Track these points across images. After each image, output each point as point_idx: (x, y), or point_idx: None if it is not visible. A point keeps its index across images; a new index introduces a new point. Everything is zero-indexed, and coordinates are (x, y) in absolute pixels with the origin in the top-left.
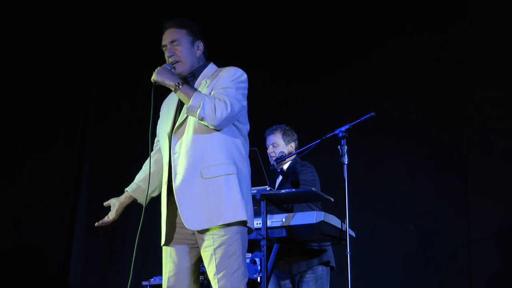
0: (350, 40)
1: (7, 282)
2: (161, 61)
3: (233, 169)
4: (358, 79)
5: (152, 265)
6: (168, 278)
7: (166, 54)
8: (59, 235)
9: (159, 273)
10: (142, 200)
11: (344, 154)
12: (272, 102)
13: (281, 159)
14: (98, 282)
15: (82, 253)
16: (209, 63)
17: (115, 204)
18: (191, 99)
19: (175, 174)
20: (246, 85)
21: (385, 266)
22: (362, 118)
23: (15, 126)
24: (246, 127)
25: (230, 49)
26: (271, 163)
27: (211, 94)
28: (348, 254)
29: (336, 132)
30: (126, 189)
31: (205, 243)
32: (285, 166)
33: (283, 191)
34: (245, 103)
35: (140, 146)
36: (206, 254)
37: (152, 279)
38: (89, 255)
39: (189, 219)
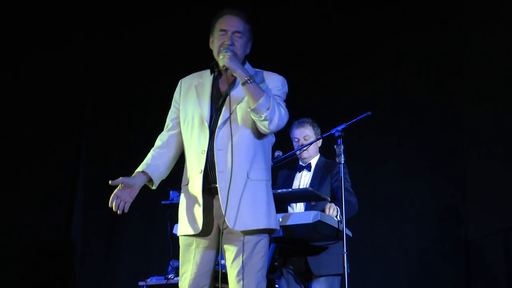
0: (347, 40)
1: (5, 284)
2: (158, 64)
3: (269, 176)
4: (355, 79)
5: (149, 265)
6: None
7: (224, 41)
8: (56, 236)
9: (156, 273)
10: (157, 183)
11: (341, 153)
12: None
13: (277, 159)
14: (95, 283)
15: (79, 254)
16: (245, 61)
17: (131, 186)
18: (262, 98)
19: (219, 172)
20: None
21: (383, 266)
22: (358, 118)
23: (10, 130)
24: (273, 138)
25: None
26: (302, 156)
27: None
28: (345, 254)
29: (332, 132)
30: (143, 170)
31: (233, 238)
32: (312, 162)
33: (279, 190)
34: None
35: (136, 149)
36: (232, 248)
37: (149, 279)
38: (86, 256)
39: (234, 220)
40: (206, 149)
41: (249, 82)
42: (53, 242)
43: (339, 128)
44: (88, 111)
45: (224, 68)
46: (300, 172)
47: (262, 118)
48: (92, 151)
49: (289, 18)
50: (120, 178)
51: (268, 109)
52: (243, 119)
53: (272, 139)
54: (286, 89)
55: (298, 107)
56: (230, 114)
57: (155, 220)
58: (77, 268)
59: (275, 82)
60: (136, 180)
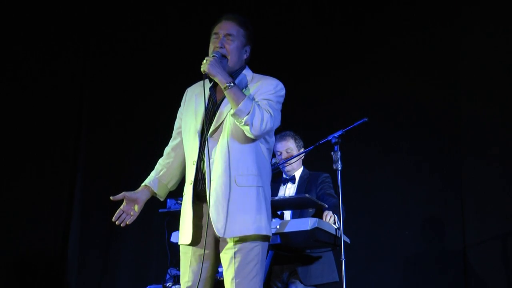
0: (344, 45)
1: None
2: (156, 70)
3: (262, 182)
4: (351, 84)
5: (147, 273)
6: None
7: (215, 44)
8: (53, 247)
9: (154, 281)
10: (162, 194)
11: (338, 160)
12: None
13: (274, 166)
14: None
15: (77, 263)
16: (245, 66)
17: (134, 199)
18: (242, 102)
19: (209, 181)
20: (283, 99)
21: (380, 272)
22: (355, 124)
23: (7, 140)
24: (272, 140)
25: None
26: (286, 169)
27: None
28: (343, 261)
29: (329, 138)
30: (146, 183)
31: (226, 246)
32: (296, 174)
33: (276, 197)
34: (280, 118)
35: (134, 158)
36: (226, 256)
37: None
38: (83, 266)
39: (222, 227)
40: (196, 160)
41: (229, 87)
42: (52, 251)
43: (336, 134)
44: (85, 119)
45: (205, 73)
46: (284, 184)
47: (243, 123)
48: (90, 160)
49: (283, 24)
50: (122, 192)
51: (248, 113)
52: (233, 126)
53: (268, 144)
54: (281, 92)
55: (294, 114)
56: (221, 122)
57: (153, 228)
58: (75, 276)
59: (267, 86)
60: (139, 194)
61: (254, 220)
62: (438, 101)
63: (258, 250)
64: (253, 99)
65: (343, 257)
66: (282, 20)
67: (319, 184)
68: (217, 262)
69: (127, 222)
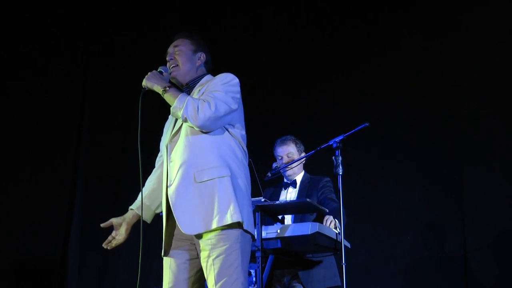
0: (345, 51)
1: None
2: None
3: (227, 172)
4: (353, 89)
5: (148, 277)
6: None
7: (167, 60)
8: (54, 249)
9: (155, 284)
10: (147, 217)
11: (339, 165)
12: (266, 113)
13: (275, 170)
14: None
15: (77, 268)
16: (206, 74)
17: (121, 224)
18: (176, 100)
19: (170, 181)
20: (237, 88)
21: (381, 277)
22: (356, 129)
23: (8, 144)
24: (241, 133)
25: (225, 59)
26: (287, 173)
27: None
28: (344, 265)
29: (330, 143)
30: (130, 207)
31: (204, 254)
32: (297, 178)
33: (277, 202)
34: (234, 106)
35: (134, 163)
36: (205, 264)
37: None
38: (83, 270)
39: (185, 224)
40: (167, 168)
41: (165, 91)
42: (51, 256)
43: (337, 139)
44: (86, 122)
45: (144, 88)
46: (285, 189)
47: (182, 119)
48: (90, 163)
49: (285, 30)
50: (110, 219)
51: (181, 108)
52: (189, 127)
53: (232, 136)
54: (231, 82)
55: (295, 118)
56: (180, 127)
57: (153, 232)
58: (75, 279)
59: (215, 81)
60: (126, 219)
61: (217, 212)
62: (439, 106)
63: (237, 254)
64: (197, 96)
65: (343, 262)
66: (283, 26)
67: (320, 188)
68: (199, 268)
69: (113, 245)
